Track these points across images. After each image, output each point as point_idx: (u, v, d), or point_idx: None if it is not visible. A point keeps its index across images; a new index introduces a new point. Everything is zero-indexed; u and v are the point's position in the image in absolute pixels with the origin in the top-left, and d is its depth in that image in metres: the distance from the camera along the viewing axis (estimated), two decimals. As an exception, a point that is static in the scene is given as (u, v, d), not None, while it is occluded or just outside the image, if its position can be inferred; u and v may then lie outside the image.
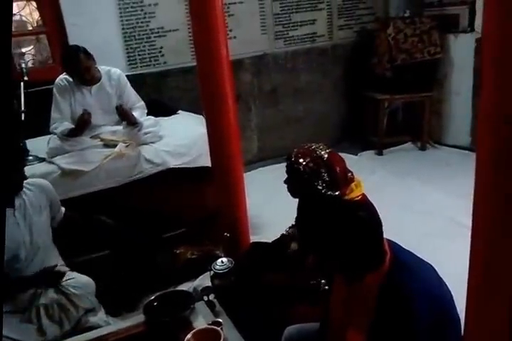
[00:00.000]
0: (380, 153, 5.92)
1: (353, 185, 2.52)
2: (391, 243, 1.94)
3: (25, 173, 2.92)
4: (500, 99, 1.19)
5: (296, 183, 2.55)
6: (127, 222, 3.76)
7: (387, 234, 2.40)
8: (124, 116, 3.92)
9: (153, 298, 2.74)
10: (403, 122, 6.40)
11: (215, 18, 2.99)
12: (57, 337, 2.79)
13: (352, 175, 2.59)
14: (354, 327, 1.88)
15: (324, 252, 1.84)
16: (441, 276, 1.92)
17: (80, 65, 3.79)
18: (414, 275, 1.80)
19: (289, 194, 2.64)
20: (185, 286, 3.34)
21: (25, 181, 2.95)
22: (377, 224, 1.80)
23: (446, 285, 1.92)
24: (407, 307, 1.71)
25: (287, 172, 2.60)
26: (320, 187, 2.43)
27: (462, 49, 5.57)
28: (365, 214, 1.79)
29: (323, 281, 2.59)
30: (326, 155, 2.51)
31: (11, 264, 2.76)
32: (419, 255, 1.95)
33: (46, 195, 3.00)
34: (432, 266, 1.94)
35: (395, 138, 6.10)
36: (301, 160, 2.48)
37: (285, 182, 2.63)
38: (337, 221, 1.78)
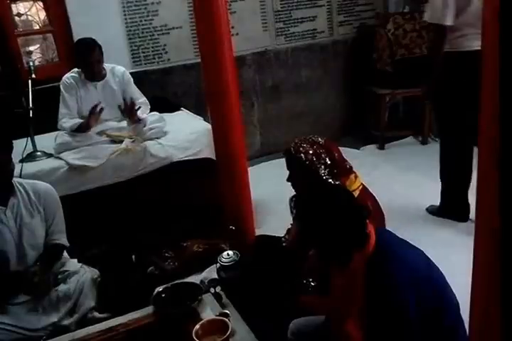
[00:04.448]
0: (381, 147, 5.94)
1: (352, 176, 2.58)
2: (381, 230, 2.02)
3: (13, 169, 2.86)
4: (499, 93, 1.20)
5: (299, 175, 2.60)
6: (132, 217, 3.84)
7: (390, 226, 2.46)
8: (129, 113, 3.99)
9: (161, 289, 2.78)
10: (404, 116, 6.40)
11: (218, 15, 3.03)
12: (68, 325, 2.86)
13: (350, 165, 2.65)
14: (352, 318, 1.93)
15: (317, 235, 1.91)
16: (431, 260, 1.96)
17: (92, 58, 3.89)
18: (398, 260, 1.85)
19: (291, 188, 2.68)
20: (192, 279, 3.39)
21: (25, 181, 2.96)
22: (360, 207, 1.93)
23: (437, 269, 1.95)
24: (391, 294, 1.76)
25: (289, 167, 2.64)
26: (322, 173, 2.48)
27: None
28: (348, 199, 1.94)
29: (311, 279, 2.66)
30: (322, 141, 2.59)
31: None
32: (421, 248, 1.99)
33: (39, 198, 2.94)
34: (422, 251, 1.98)
35: (396, 133, 6.10)
36: (301, 149, 2.54)
37: (288, 179, 2.68)
38: (329, 204, 1.89)
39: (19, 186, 2.90)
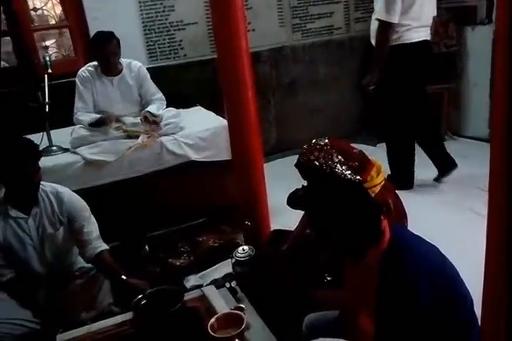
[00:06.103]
0: (397, 145, 5.90)
1: (373, 172, 2.55)
2: (396, 226, 2.00)
3: (41, 179, 2.81)
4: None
5: (320, 182, 2.56)
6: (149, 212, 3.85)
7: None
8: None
9: (141, 296, 2.57)
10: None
11: (235, 11, 3.01)
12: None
13: (359, 150, 2.63)
14: (365, 310, 1.93)
15: (331, 232, 1.89)
16: (446, 257, 1.94)
17: (108, 49, 3.92)
18: (412, 255, 1.84)
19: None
20: (207, 273, 3.42)
21: (48, 189, 2.89)
22: (374, 204, 1.92)
23: (450, 263, 1.94)
24: (405, 287, 1.75)
25: (306, 177, 2.58)
26: (341, 171, 2.46)
27: (480, 41, 5.53)
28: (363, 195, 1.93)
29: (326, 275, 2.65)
30: (326, 141, 2.57)
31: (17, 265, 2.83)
32: (436, 244, 1.97)
33: (61, 209, 2.88)
34: (436, 247, 1.96)
35: (412, 130, 6.07)
36: (311, 158, 2.51)
37: (312, 191, 2.65)
38: (343, 201, 1.88)
39: (42, 194, 2.86)
